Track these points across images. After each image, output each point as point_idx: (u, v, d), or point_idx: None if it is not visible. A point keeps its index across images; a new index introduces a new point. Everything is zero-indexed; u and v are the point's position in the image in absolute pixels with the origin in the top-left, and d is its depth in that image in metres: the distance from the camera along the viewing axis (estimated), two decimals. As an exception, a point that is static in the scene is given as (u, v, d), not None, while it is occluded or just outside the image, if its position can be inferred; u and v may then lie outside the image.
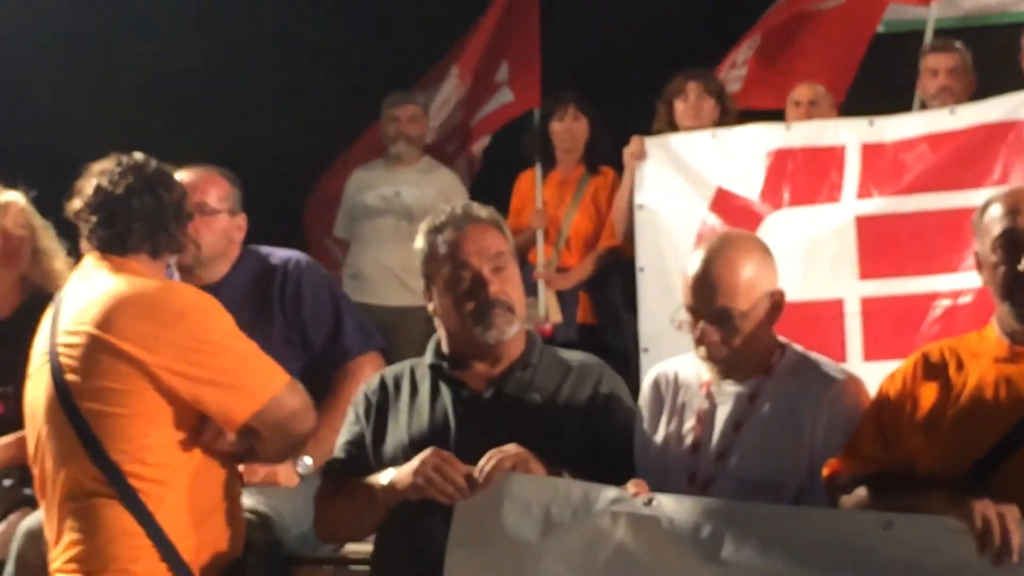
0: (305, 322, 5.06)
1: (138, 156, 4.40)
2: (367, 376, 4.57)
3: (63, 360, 4.15)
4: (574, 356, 4.37)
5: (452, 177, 8.45)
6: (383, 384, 4.33)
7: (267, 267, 5.13)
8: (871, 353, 6.10)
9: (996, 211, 3.88)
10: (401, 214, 8.16)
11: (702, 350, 4.08)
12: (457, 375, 4.23)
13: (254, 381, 4.16)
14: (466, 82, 9.25)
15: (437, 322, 4.29)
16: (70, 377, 4.13)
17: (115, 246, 4.27)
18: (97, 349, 4.08)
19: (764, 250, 4.16)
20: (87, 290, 4.20)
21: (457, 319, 4.18)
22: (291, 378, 4.25)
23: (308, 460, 4.78)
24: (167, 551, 4.08)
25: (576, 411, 4.17)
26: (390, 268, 8.17)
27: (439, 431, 4.16)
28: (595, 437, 4.15)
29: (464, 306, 4.15)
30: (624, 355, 7.05)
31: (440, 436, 4.13)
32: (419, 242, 4.27)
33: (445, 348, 4.28)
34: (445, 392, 4.22)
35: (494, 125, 9.09)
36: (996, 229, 3.85)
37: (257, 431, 4.16)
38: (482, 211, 4.26)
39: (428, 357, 4.30)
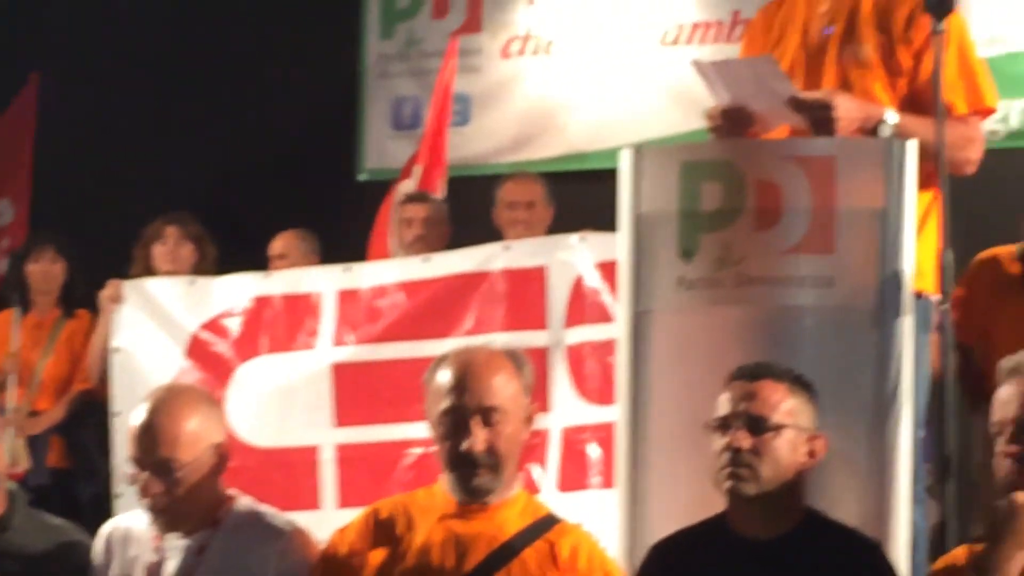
0: None
1: None
2: None
3: None
4: (56, 521, 4.32)
5: None
6: None
7: None
8: (346, 500, 6.06)
9: (444, 378, 3.96)
10: None
11: (146, 501, 4.01)
12: None
13: None
14: None
15: None
16: None
17: None
18: None
19: (209, 402, 4.17)
20: None
21: None
22: None
23: None
24: None
25: None
26: None
27: None
28: None
29: None
30: (97, 500, 6.89)
31: None
32: None
33: None
34: None
35: None
36: (444, 403, 3.96)
37: None
38: None
39: None
